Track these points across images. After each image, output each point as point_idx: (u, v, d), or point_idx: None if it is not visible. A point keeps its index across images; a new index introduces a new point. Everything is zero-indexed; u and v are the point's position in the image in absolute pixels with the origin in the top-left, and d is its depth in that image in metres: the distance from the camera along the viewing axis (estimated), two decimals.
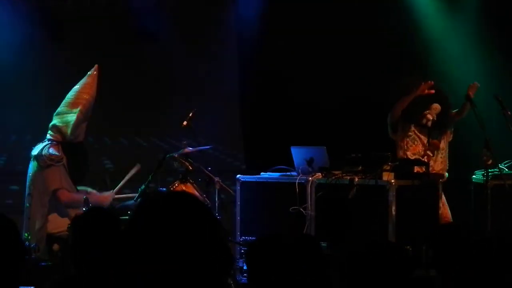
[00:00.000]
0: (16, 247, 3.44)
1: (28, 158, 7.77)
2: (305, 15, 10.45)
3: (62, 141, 7.68)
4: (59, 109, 7.80)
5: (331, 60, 10.26)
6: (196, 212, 2.32)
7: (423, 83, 7.83)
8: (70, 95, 7.81)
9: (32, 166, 7.66)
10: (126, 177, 8.04)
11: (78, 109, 7.67)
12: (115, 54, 10.00)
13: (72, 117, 7.67)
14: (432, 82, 7.86)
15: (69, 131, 7.66)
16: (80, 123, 7.70)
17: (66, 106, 7.76)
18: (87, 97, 7.73)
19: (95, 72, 7.86)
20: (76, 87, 7.83)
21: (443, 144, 8.02)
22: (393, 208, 7.28)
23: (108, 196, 7.79)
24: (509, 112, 7.58)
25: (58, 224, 7.53)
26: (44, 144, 7.67)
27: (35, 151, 7.66)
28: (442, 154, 8.00)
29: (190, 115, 8.62)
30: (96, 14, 10.04)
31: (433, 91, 7.81)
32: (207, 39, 10.82)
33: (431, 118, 7.64)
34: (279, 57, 10.65)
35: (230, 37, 11.16)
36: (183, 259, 2.24)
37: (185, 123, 8.59)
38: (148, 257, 2.25)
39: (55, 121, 7.75)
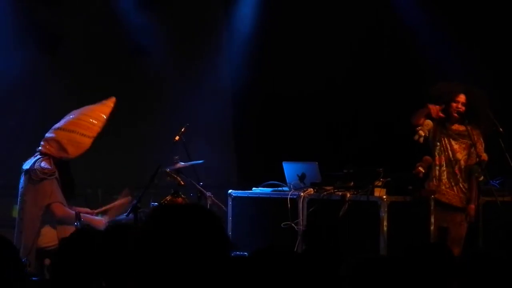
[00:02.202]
0: (17, 265, 3.45)
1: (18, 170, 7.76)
2: (298, 31, 10.46)
3: (56, 156, 7.67)
4: (64, 125, 7.77)
5: (324, 76, 10.26)
6: (205, 223, 2.38)
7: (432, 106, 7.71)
8: (83, 117, 7.82)
9: (24, 180, 7.63)
10: (114, 203, 8.07)
11: (93, 135, 7.73)
12: (108, 67, 10.01)
13: (85, 140, 7.70)
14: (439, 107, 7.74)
15: (76, 152, 7.68)
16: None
17: (78, 127, 7.73)
18: (100, 126, 7.81)
19: (111, 104, 7.95)
20: (89, 112, 7.87)
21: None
22: (385, 224, 7.27)
23: (101, 220, 7.75)
24: (500, 129, 7.59)
25: (49, 238, 7.50)
26: (36, 158, 7.64)
27: (26, 165, 7.64)
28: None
29: (182, 130, 8.63)
30: (89, 27, 10.04)
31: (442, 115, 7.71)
32: (200, 55, 10.83)
33: (422, 134, 7.62)
34: (272, 73, 10.66)
35: (222, 53, 11.17)
36: (185, 266, 2.30)
37: (177, 138, 8.60)
38: (155, 261, 2.31)
39: (57, 135, 7.71)
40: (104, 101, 7.99)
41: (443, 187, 7.70)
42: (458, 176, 7.72)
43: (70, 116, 7.86)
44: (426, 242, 6.57)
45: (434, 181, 7.71)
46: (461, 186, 7.70)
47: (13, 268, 3.47)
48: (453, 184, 7.70)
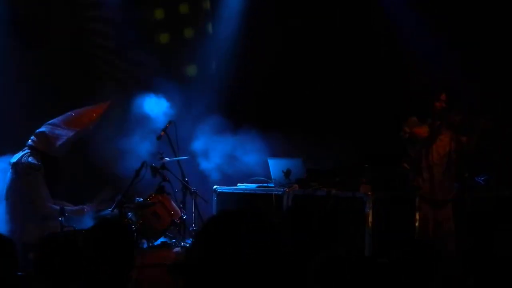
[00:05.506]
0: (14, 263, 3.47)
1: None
2: (282, 30, 10.46)
3: (43, 150, 7.68)
4: (55, 120, 7.88)
5: (311, 72, 10.27)
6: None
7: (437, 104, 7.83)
8: (74, 113, 7.97)
9: (10, 174, 7.63)
10: (98, 198, 8.11)
11: (76, 130, 7.78)
12: (94, 61, 9.96)
13: (67, 133, 7.74)
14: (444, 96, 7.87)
15: (57, 144, 7.71)
16: (70, 143, 7.79)
17: (65, 122, 7.83)
18: (88, 123, 7.90)
19: (105, 106, 8.15)
20: (83, 109, 8.04)
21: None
22: (370, 219, 7.28)
23: (83, 209, 7.79)
24: (488, 124, 7.59)
25: (34, 233, 7.47)
26: (24, 152, 7.65)
27: (14, 159, 7.64)
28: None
29: (167, 125, 8.60)
30: (75, 21, 10.00)
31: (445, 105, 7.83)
32: (187, 49, 10.80)
33: (408, 130, 7.65)
34: (256, 71, 10.65)
35: (209, 49, 11.15)
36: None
37: (162, 133, 8.57)
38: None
39: (46, 129, 7.77)
40: (100, 103, 8.22)
41: (438, 185, 7.68)
42: (451, 169, 7.75)
43: (66, 114, 8.01)
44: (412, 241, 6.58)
45: (427, 181, 7.67)
46: (453, 176, 7.76)
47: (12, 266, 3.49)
48: (446, 177, 7.72)
